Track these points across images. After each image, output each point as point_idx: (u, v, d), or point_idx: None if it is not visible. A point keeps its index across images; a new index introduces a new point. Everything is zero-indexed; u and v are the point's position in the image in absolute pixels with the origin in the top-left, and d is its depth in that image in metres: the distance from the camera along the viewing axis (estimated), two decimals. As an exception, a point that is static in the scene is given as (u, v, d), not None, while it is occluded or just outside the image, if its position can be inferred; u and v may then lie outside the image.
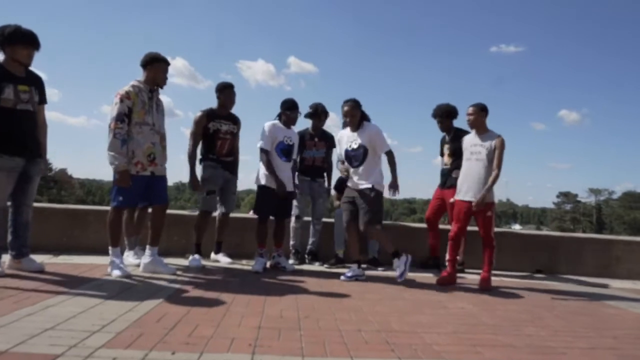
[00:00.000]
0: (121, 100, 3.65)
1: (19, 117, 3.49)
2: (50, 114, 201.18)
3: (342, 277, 4.16)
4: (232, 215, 5.65)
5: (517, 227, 55.42)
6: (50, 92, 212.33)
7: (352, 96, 4.50)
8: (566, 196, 78.15)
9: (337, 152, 4.68)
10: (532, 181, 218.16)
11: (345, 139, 4.39)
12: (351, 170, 4.37)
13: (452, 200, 4.60)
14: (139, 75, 3.90)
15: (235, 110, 4.69)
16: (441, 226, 5.16)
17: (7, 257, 3.65)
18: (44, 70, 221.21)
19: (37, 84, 3.67)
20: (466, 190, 4.26)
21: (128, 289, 3.28)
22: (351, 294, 3.57)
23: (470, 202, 4.20)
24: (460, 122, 5.04)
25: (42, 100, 3.72)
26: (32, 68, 3.67)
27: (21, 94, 3.51)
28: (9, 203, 3.68)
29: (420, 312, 3.12)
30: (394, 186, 4.25)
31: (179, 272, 3.97)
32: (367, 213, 4.17)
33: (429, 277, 4.60)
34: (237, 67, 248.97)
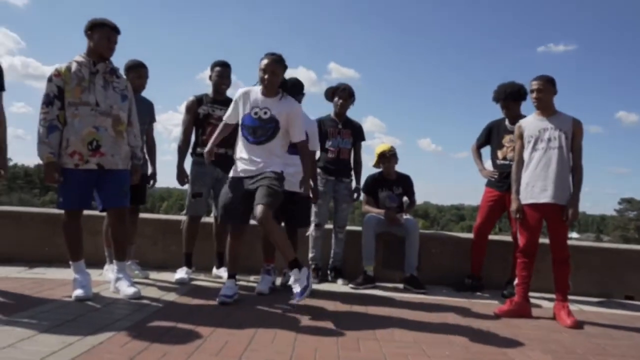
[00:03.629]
0: (49, 80, 2.95)
1: None
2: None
3: (292, 300, 2.96)
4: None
5: (574, 235, 51.69)
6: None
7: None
8: (629, 202, 72.16)
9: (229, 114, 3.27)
10: (589, 186, 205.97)
11: (251, 101, 3.14)
12: (247, 146, 3.12)
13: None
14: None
15: None
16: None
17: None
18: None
19: None
20: (541, 190, 3.19)
21: (78, 318, 2.52)
22: (376, 331, 2.59)
23: (547, 205, 3.17)
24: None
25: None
26: None
27: None
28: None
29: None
30: (305, 182, 3.18)
31: (158, 293, 3.16)
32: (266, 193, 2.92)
33: (486, 304, 3.53)
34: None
